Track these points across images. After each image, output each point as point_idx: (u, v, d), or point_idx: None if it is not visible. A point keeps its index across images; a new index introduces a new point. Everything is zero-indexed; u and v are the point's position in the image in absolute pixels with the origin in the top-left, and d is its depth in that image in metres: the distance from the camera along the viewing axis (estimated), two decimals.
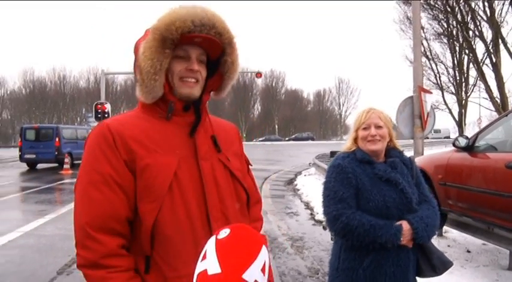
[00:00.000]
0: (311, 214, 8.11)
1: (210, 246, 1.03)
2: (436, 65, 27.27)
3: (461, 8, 21.05)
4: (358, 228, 1.90)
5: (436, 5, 22.88)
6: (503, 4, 18.72)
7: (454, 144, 4.99)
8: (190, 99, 1.31)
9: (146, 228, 1.19)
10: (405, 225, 1.93)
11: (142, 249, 1.20)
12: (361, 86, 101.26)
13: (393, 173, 2.03)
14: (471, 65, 23.78)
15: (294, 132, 67.77)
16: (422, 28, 21.38)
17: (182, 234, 1.21)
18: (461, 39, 23.34)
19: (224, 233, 1.04)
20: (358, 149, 2.09)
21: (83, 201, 1.20)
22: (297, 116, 76.15)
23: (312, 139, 57.35)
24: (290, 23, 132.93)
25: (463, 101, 26.95)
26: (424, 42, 24.70)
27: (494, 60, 19.08)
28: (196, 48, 1.29)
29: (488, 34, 19.73)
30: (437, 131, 50.65)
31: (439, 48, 27.06)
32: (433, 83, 27.61)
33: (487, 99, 21.56)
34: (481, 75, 20.80)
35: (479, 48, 21.15)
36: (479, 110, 32.42)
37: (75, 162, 17.97)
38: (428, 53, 26.44)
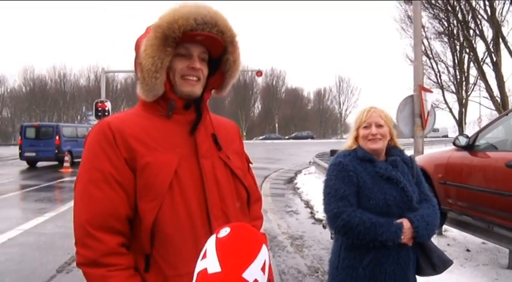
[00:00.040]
0: (311, 213, 8.11)
1: (210, 245, 1.03)
2: (437, 64, 27.25)
3: (462, 7, 21.01)
4: (358, 226, 1.90)
5: (437, 4, 22.82)
6: (503, 3, 18.70)
7: (454, 143, 4.99)
8: (192, 97, 1.30)
9: (146, 227, 1.18)
10: (406, 223, 1.94)
11: (142, 248, 1.20)
12: (361, 85, 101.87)
13: (394, 171, 2.03)
14: (471, 64, 23.73)
15: (294, 130, 67.76)
16: (423, 27, 21.35)
17: (182, 233, 1.20)
18: (461, 38, 23.30)
19: (224, 231, 1.04)
20: (359, 148, 2.09)
21: (83, 199, 1.20)
22: (297, 114, 76.10)
23: (312, 138, 57.32)
24: (290, 21, 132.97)
25: (464, 100, 26.93)
26: (425, 41, 24.66)
27: (494, 59, 19.05)
28: (198, 46, 1.29)
29: (488, 33, 19.73)
30: (435, 130, 50.55)
31: (440, 47, 27.02)
32: (434, 82, 27.58)
33: (487, 98, 21.51)
34: (482, 74, 20.77)
35: (480, 47, 21.15)
36: (480, 109, 32.41)
37: (75, 160, 17.94)
38: (428, 52, 26.40)
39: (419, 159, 5.31)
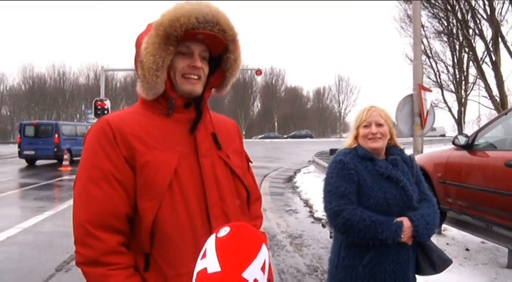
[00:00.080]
0: (310, 212, 8.11)
1: (210, 244, 1.03)
2: (436, 63, 27.26)
3: (462, 6, 21.01)
4: (359, 224, 1.90)
5: (437, 3, 22.82)
6: (503, 3, 18.70)
7: (453, 143, 4.99)
8: (192, 96, 1.29)
9: (146, 226, 1.18)
10: (406, 222, 1.94)
11: (141, 247, 1.20)
12: (360, 84, 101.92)
13: (394, 170, 2.03)
14: (471, 63, 23.75)
15: (294, 129, 67.72)
16: (423, 26, 21.36)
17: (182, 232, 1.20)
18: (461, 38, 23.30)
19: (224, 231, 1.04)
20: (359, 147, 2.10)
21: (82, 198, 1.19)
22: (296, 113, 76.10)
23: (310, 137, 57.32)
24: (290, 20, 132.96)
25: (463, 99, 26.93)
26: (424, 40, 24.68)
27: (494, 58, 19.06)
28: (199, 45, 1.28)
29: (488, 33, 19.74)
30: (432, 129, 50.53)
31: (439, 46, 27.03)
32: (433, 81, 27.59)
33: (486, 97, 21.51)
34: (481, 73, 20.78)
35: (479, 46, 21.16)
36: (479, 109, 32.48)
37: (75, 158, 17.94)
38: (428, 51, 26.40)
39: (418, 159, 5.31)
